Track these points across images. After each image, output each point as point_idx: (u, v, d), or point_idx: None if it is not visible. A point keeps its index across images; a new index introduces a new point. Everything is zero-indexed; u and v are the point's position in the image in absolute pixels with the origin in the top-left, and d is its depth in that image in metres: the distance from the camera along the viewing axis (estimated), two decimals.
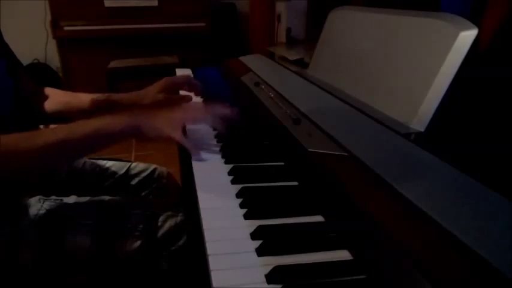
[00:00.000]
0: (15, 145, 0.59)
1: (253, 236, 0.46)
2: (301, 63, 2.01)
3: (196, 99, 0.98)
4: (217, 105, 0.74)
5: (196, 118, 0.73)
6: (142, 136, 0.66)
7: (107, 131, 0.65)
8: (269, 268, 0.40)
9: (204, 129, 0.79)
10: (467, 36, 0.65)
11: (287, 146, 0.69)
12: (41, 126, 0.93)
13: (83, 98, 0.90)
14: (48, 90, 0.93)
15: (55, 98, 0.92)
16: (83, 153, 0.74)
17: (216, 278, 0.39)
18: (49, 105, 0.91)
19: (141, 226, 0.71)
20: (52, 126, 0.89)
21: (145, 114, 0.69)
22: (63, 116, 0.90)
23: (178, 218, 0.74)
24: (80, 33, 2.92)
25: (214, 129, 0.77)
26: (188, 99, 0.93)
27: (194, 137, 0.73)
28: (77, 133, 0.64)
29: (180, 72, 1.40)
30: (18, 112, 0.78)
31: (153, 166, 1.00)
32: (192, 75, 1.01)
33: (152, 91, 0.92)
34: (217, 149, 0.70)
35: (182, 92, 0.98)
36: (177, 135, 0.66)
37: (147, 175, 0.97)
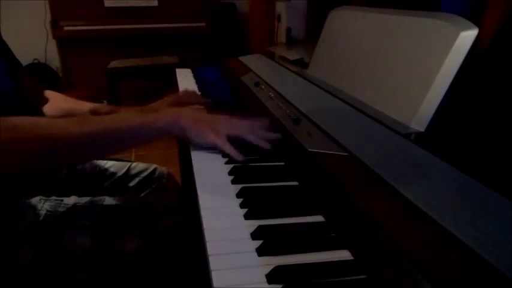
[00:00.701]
0: (65, 128, 0.58)
1: (254, 236, 0.46)
2: (301, 63, 2.00)
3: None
4: (261, 123, 0.71)
5: (241, 135, 0.68)
6: (185, 137, 0.66)
7: (152, 127, 0.65)
8: (269, 268, 0.40)
9: None
10: (467, 36, 0.65)
11: (287, 146, 0.69)
12: None
13: (86, 107, 0.91)
14: (50, 94, 0.93)
15: (57, 103, 0.92)
16: (124, 146, 0.72)
17: (216, 278, 0.39)
18: (51, 109, 0.91)
19: (141, 226, 0.71)
20: None
21: (190, 115, 0.68)
22: None
23: (179, 218, 0.74)
24: (80, 33, 2.92)
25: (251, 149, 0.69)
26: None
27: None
28: (124, 126, 0.63)
29: (180, 72, 1.40)
30: (18, 112, 0.78)
31: (153, 166, 1.00)
32: (197, 93, 1.01)
33: (159, 107, 0.93)
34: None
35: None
36: (220, 142, 0.65)
37: (147, 175, 0.97)
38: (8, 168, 0.57)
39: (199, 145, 0.67)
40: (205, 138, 0.66)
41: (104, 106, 0.93)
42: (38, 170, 0.71)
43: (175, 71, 1.40)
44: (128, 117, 0.65)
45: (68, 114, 0.91)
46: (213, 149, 0.67)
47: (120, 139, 0.64)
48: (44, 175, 0.84)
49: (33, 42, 3.12)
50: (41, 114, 0.90)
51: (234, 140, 0.67)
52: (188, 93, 1.01)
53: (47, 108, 0.91)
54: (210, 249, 0.44)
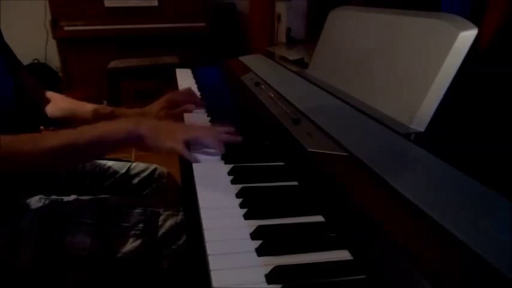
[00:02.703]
0: (19, 147, 0.60)
1: (253, 236, 0.46)
2: (301, 63, 2.00)
3: (200, 112, 0.97)
4: (222, 127, 0.74)
5: (199, 137, 0.70)
6: (144, 146, 0.68)
7: (111, 138, 0.67)
8: (269, 268, 0.40)
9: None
10: (467, 36, 0.65)
11: (287, 146, 0.69)
12: (41, 128, 0.93)
13: (87, 108, 0.91)
14: (51, 95, 0.93)
15: (58, 104, 0.92)
16: (86, 158, 0.76)
17: (216, 278, 0.39)
18: (52, 110, 0.91)
19: (141, 225, 0.71)
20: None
21: (149, 124, 0.69)
22: (66, 122, 0.91)
23: (179, 218, 0.74)
24: (80, 33, 2.92)
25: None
26: (189, 109, 0.95)
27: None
28: (82, 139, 0.65)
29: (180, 72, 1.40)
30: (19, 112, 0.78)
31: (153, 166, 1.00)
32: (193, 90, 1.02)
33: (155, 108, 0.95)
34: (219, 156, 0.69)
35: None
36: (179, 147, 0.66)
37: (147, 175, 0.97)
38: None
39: (158, 151, 0.68)
40: (163, 144, 0.67)
41: (104, 107, 0.93)
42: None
43: (175, 71, 1.40)
44: (89, 129, 0.67)
45: (66, 116, 0.91)
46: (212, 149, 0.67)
47: (78, 151, 0.66)
48: (44, 175, 0.84)
49: (33, 42, 3.12)
50: (41, 113, 0.90)
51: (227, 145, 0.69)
52: (188, 92, 1.01)
53: (48, 108, 0.91)
54: (210, 249, 0.44)
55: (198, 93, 1.10)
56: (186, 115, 0.92)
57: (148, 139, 0.67)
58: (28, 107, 0.84)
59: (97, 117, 0.90)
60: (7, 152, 0.59)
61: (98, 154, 0.70)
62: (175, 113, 0.94)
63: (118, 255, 0.69)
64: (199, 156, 0.67)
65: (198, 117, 0.91)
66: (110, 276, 0.70)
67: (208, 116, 0.91)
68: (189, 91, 1.02)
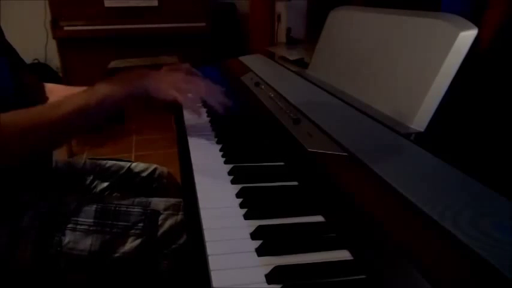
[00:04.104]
0: (39, 117, 0.62)
1: (253, 236, 0.46)
2: (301, 63, 2.00)
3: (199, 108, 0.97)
4: (216, 87, 0.80)
5: (202, 91, 0.76)
6: (149, 98, 0.70)
7: (116, 96, 0.69)
8: (269, 268, 0.40)
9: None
10: (467, 36, 0.65)
11: (287, 146, 0.69)
12: None
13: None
14: (49, 86, 0.93)
15: (57, 94, 0.92)
16: (98, 119, 0.73)
17: (216, 278, 0.39)
18: (51, 100, 0.91)
19: (140, 225, 0.71)
20: None
21: (152, 75, 0.73)
22: None
23: (179, 217, 0.74)
24: (80, 33, 2.92)
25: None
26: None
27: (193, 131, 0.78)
28: (92, 99, 0.67)
29: None
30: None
31: (153, 166, 1.00)
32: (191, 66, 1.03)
33: None
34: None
35: None
36: (181, 97, 0.71)
37: (148, 175, 0.97)
38: None
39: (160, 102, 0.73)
40: (166, 95, 0.71)
41: None
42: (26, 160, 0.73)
43: None
44: (96, 89, 0.69)
45: None
46: (212, 148, 0.67)
47: (92, 113, 0.68)
48: (43, 174, 0.84)
49: (33, 42, 3.12)
50: None
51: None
52: (179, 67, 1.00)
53: (48, 101, 0.91)
54: (210, 249, 0.44)
55: None
56: (186, 114, 0.92)
57: (152, 90, 0.71)
58: (29, 104, 0.84)
59: None
60: (31, 123, 0.61)
61: (109, 113, 0.71)
62: None
63: (117, 255, 0.69)
64: (200, 157, 0.67)
65: (197, 117, 0.91)
66: (110, 276, 0.70)
67: (208, 116, 0.91)
68: (188, 68, 1.01)
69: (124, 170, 0.97)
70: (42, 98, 0.91)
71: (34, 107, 0.63)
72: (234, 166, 0.63)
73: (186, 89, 0.74)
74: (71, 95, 0.68)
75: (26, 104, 0.63)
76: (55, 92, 0.92)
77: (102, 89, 0.69)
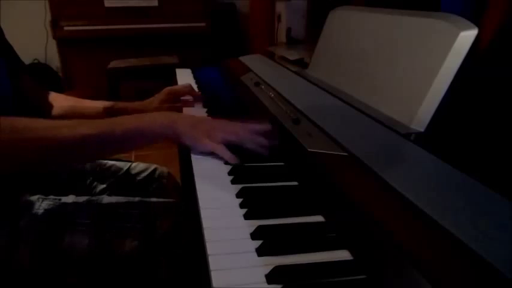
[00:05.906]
0: (58, 130, 0.58)
1: (253, 236, 0.46)
2: (301, 63, 2.01)
3: (200, 112, 0.97)
4: (257, 126, 0.69)
5: (240, 140, 0.66)
6: (180, 143, 0.66)
7: (147, 131, 0.65)
8: (269, 268, 0.40)
9: None
10: (467, 36, 0.65)
11: (287, 146, 0.69)
12: None
13: (87, 104, 0.92)
14: (51, 95, 0.93)
15: (58, 102, 0.92)
16: (120, 150, 0.71)
17: (216, 278, 0.39)
18: (54, 110, 0.91)
19: (140, 226, 0.71)
20: None
21: (186, 120, 0.67)
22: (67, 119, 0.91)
23: (178, 218, 0.74)
24: (80, 33, 2.92)
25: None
26: (190, 104, 0.95)
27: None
28: (118, 130, 0.63)
29: (180, 72, 1.40)
30: (18, 113, 0.78)
31: (153, 166, 1.00)
32: (192, 86, 1.03)
33: (156, 102, 0.95)
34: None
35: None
36: (219, 149, 0.64)
37: (148, 175, 0.97)
38: (1, 169, 0.58)
39: (196, 151, 0.67)
40: (201, 145, 0.65)
41: (104, 103, 0.93)
42: (32, 171, 0.71)
43: (175, 71, 1.40)
44: (123, 120, 0.65)
45: (67, 113, 0.91)
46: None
47: (113, 142, 0.64)
48: (43, 174, 0.84)
49: (33, 42, 3.12)
50: (42, 114, 0.90)
51: (231, 146, 0.66)
52: (186, 86, 1.01)
53: (49, 109, 0.91)
54: (210, 249, 0.44)
55: None
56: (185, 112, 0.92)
57: (185, 137, 0.65)
58: (28, 108, 0.84)
59: (98, 112, 0.90)
60: (45, 136, 0.57)
61: (132, 146, 0.67)
62: (177, 107, 0.94)
63: (116, 256, 0.69)
64: (200, 157, 0.67)
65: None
66: (109, 276, 0.70)
67: (208, 116, 0.91)
68: (187, 85, 1.02)
69: (124, 170, 0.97)
70: (43, 103, 0.91)
71: (52, 120, 0.59)
72: (234, 166, 0.63)
73: (222, 138, 0.66)
74: (96, 120, 0.64)
75: (26, 107, 0.62)
76: (57, 100, 0.93)
77: (134, 121, 0.65)
